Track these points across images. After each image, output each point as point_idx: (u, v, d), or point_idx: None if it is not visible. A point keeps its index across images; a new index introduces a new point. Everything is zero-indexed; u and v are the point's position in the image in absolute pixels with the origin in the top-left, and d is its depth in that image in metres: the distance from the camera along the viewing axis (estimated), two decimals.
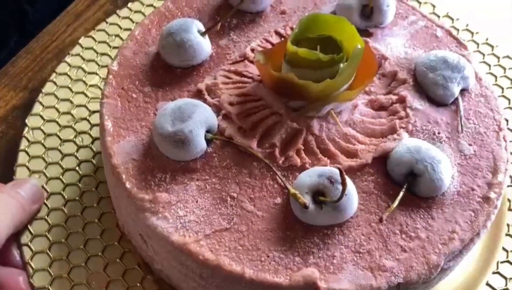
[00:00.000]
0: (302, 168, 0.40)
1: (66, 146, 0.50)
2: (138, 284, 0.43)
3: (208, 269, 0.37)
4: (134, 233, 0.42)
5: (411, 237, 0.39)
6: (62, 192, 0.47)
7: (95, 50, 0.55)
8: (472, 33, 0.58)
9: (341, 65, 0.40)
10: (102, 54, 0.55)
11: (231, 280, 0.37)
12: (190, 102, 0.41)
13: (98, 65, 0.55)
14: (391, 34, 0.49)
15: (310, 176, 0.38)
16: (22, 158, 0.48)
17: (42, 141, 0.50)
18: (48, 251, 0.44)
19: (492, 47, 0.57)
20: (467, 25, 0.58)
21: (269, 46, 0.46)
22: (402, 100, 0.44)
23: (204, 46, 0.45)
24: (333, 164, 0.40)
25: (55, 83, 0.53)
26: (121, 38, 0.56)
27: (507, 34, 0.61)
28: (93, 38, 0.56)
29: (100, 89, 0.53)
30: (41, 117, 0.51)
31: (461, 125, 0.44)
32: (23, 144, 0.49)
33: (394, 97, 0.44)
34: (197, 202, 0.39)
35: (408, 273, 0.37)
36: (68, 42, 0.57)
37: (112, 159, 0.40)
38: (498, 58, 0.56)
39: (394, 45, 0.48)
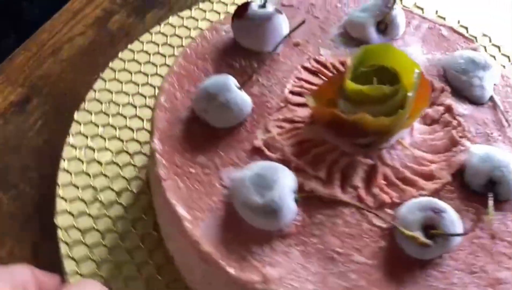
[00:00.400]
0: (392, 204, 0.40)
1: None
2: None
3: None
4: None
5: (510, 242, 0.40)
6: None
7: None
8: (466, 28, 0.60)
9: (399, 93, 0.40)
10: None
11: None
12: (265, 166, 0.39)
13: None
14: (405, 44, 0.49)
15: (411, 212, 0.38)
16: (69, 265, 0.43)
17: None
18: None
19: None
20: (458, 21, 0.60)
21: (304, 84, 0.45)
22: (449, 109, 0.45)
23: (248, 100, 0.42)
24: (418, 191, 0.40)
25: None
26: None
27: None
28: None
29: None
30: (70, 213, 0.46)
31: (506, 120, 0.45)
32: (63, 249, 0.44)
33: (441, 108, 0.45)
34: (306, 269, 0.37)
35: None
36: (65, 39, 0.59)
37: (202, 247, 0.37)
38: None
39: (415, 55, 0.48)
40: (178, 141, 0.42)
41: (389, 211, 0.39)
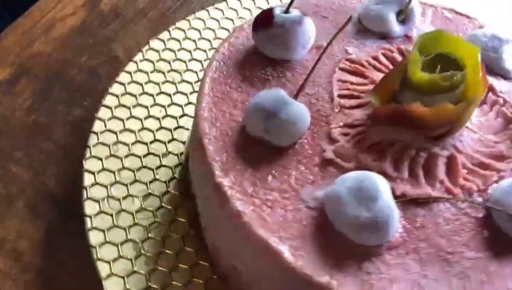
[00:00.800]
0: (479, 191, 0.38)
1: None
2: None
3: None
4: None
5: None
6: None
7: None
8: None
9: (466, 79, 0.38)
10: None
11: None
12: (361, 176, 0.35)
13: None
14: (420, 30, 0.48)
15: (507, 195, 0.36)
16: None
17: None
18: None
19: None
20: None
21: (349, 86, 0.42)
22: (491, 89, 0.44)
23: (307, 112, 0.39)
24: (498, 173, 0.39)
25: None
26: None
27: None
28: None
29: None
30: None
31: None
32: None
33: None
34: (426, 276, 0.34)
35: None
36: (58, 18, 0.57)
37: (316, 279, 0.33)
38: None
39: None
40: (242, 170, 0.37)
41: (479, 198, 0.38)
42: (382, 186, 0.35)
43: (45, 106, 0.51)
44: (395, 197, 0.36)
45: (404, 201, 0.36)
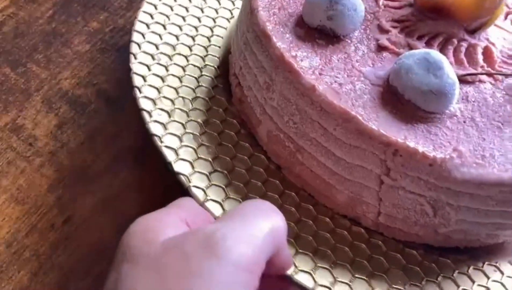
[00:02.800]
0: None
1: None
2: None
3: None
4: (409, 211, 0.39)
5: None
6: None
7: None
8: None
9: None
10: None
11: None
12: (424, 51, 0.38)
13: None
14: None
15: None
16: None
17: None
18: None
19: None
20: None
21: None
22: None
23: (362, 3, 0.42)
24: None
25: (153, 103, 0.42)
26: None
27: None
28: None
29: None
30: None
31: None
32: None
33: None
34: (485, 140, 0.38)
35: None
36: None
37: (389, 138, 0.36)
38: None
39: None
40: (307, 53, 0.40)
41: None
42: (444, 59, 0.38)
43: (65, 17, 0.56)
44: None
45: (465, 76, 0.40)
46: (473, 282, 0.40)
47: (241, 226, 0.30)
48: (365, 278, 0.38)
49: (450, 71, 0.38)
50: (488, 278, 0.41)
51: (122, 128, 0.48)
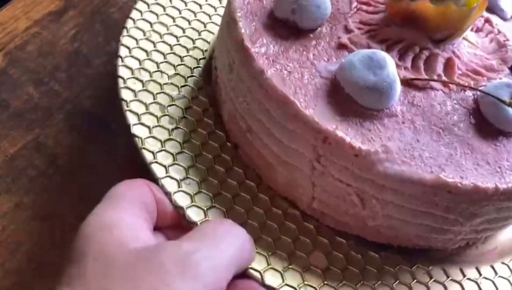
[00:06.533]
0: (469, 89, 0.44)
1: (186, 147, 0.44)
2: None
3: (462, 195, 0.38)
4: (339, 200, 0.41)
5: None
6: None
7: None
8: None
9: None
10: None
11: (484, 199, 0.39)
12: (371, 52, 0.41)
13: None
14: None
15: (499, 88, 0.42)
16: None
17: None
18: None
19: None
20: None
21: None
22: (488, 21, 0.50)
23: (329, 1, 0.44)
24: (488, 80, 0.45)
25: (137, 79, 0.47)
26: None
27: None
28: None
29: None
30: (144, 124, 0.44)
31: None
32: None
33: (482, 19, 0.50)
34: (418, 141, 0.40)
35: None
36: None
37: (320, 126, 0.38)
38: None
39: None
40: (267, 41, 0.42)
41: (470, 93, 0.43)
42: (389, 60, 0.40)
43: (87, 37, 0.58)
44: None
45: (407, 81, 0.42)
46: (397, 279, 0.41)
47: (214, 250, 0.33)
48: (284, 255, 0.40)
49: (392, 72, 0.39)
50: (414, 279, 0.42)
51: None
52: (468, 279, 0.43)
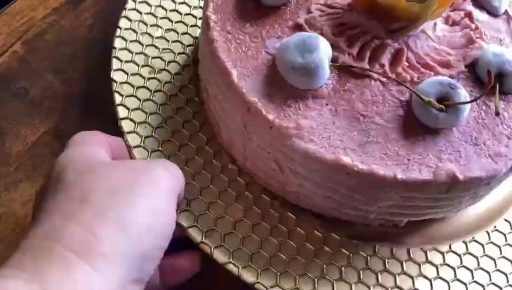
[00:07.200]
0: (412, 82, 0.46)
1: (157, 96, 0.51)
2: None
3: (360, 179, 0.42)
4: (263, 163, 0.46)
5: (509, 125, 0.46)
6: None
7: (148, 3, 0.56)
8: None
9: None
10: (157, 6, 0.57)
11: (383, 185, 0.42)
12: (309, 36, 0.44)
13: (156, 17, 0.56)
14: None
15: (431, 86, 0.44)
16: (122, 112, 0.50)
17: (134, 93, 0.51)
18: None
19: None
20: None
21: None
22: (469, 15, 0.50)
23: None
24: (436, 75, 0.46)
25: (123, 38, 0.54)
26: None
27: None
28: None
29: (167, 40, 0.55)
30: (124, 71, 0.52)
31: None
32: (118, 99, 0.50)
33: (462, 13, 0.50)
34: (334, 123, 0.43)
35: None
36: None
37: (246, 97, 0.43)
38: None
39: None
40: (230, 13, 0.47)
41: (409, 87, 0.45)
42: (322, 46, 0.44)
43: (104, 25, 0.61)
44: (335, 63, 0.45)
45: (338, 66, 0.45)
46: (306, 241, 0.47)
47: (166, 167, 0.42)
48: (205, 201, 0.47)
49: (321, 57, 0.43)
50: (325, 245, 0.47)
51: None
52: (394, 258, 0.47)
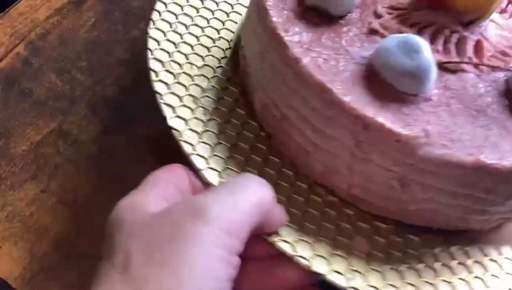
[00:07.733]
0: (502, 69, 0.44)
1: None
2: None
3: (501, 176, 0.39)
4: (379, 185, 0.41)
5: None
6: None
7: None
8: None
9: None
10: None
11: None
12: (405, 36, 0.41)
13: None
14: None
15: None
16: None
17: None
18: None
19: None
20: None
21: None
22: (511, 2, 0.50)
23: None
24: None
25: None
26: None
27: None
28: None
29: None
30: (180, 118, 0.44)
31: None
32: (187, 149, 0.43)
33: (505, 0, 0.50)
34: (456, 124, 0.40)
35: None
36: None
37: (359, 112, 0.38)
38: None
39: None
40: (300, 29, 0.43)
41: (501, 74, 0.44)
42: (423, 44, 0.40)
43: (106, 25, 0.60)
44: None
45: (439, 64, 0.42)
46: (437, 261, 0.42)
47: (228, 195, 0.33)
48: (329, 241, 0.41)
49: (428, 56, 0.40)
50: (453, 259, 0.43)
51: (167, 134, 0.47)
52: (506, 258, 0.44)
